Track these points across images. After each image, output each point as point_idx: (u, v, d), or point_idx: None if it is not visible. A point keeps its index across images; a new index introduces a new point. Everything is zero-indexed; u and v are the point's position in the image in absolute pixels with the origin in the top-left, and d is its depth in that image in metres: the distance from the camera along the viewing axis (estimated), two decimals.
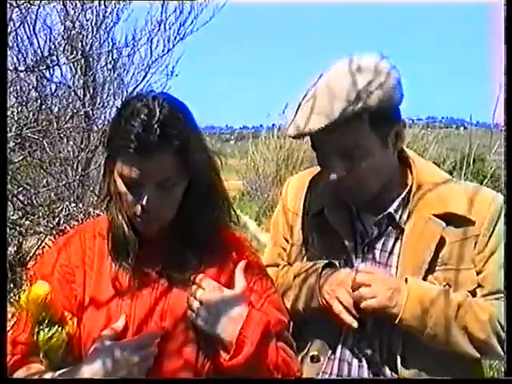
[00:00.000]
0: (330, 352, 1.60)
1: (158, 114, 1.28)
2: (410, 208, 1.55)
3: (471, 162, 4.31)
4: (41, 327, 1.30)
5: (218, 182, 1.45)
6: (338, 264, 1.59)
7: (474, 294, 1.51)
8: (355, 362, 1.57)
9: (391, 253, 1.56)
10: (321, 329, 1.62)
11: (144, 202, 1.30)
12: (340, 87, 1.41)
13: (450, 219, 1.51)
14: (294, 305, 1.62)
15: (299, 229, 1.68)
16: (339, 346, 1.59)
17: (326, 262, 1.58)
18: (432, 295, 1.46)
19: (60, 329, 1.32)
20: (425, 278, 1.50)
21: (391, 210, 1.54)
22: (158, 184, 1.31)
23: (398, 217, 1.55)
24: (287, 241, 1.73)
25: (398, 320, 1.45)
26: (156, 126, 1.26)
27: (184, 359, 1.35)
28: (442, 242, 1.50)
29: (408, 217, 1.54)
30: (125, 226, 1.38)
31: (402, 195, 1.55)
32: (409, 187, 1.56)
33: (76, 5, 4.06)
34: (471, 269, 1.50)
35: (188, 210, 1.38)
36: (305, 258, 1.67)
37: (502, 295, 1.47)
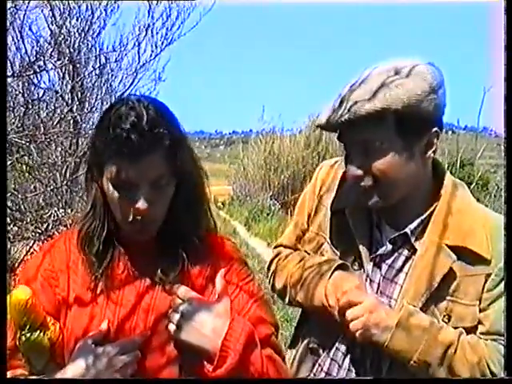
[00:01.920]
0: (327, 349, 1.61)
1: (145, 114, 1.28)
2: (427, 231, 1.50)
3: (458, 167, 4.33)
4: (22, 332, 1.29)
5: (204, 185, 1.45)
6: (349, 267, 1.57)
7: (472, 330, 1.48)
8: (345, 365, 1.57)
9: (400, 270, 1.53)
10: (322, 324, 1.62)
11: (140, 203, 1.29)
12: (370, 85, 1.39)
13: (464, 252, 1.46)
14: (295, 295, 1.63)
15: (321, 219, 1.67)
16: (334, 347, 1.60)
17: (339, 263, 1.57)
18: (422, 330, 1.43)
19: (42, 334, 1.31)
20: (425, 306, 1.47)
21: (408, 230, 1.51)
22: (152, 184, 1.30)
23: (413, 238, 1.52)
24: (308, 226, 1.71)
25: (384, 346, 1.44)
26: (146, 127, 1.26)
27: (167, 357, 1.34)
28: (450, 274, 1.45)
29: (423, 239, 1.50)
30: (105, 232, 1.39)
31: (423, 217, 1.51)
32: (432, 209, 1.52)
33: (63, 10, 4.05)
34: (475, 305, 1.46)
35: (175, 211, 1.38)
36: (320, 248, 1.66)
37: (500, 337, 1.44)
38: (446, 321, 1.47)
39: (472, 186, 4.53)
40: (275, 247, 1.83)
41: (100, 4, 4.32)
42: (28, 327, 1.29)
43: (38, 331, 1.30)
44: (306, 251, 1.69)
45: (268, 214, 13.55)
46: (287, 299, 1.70)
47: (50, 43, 3.80)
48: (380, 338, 1.44)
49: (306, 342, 1.66)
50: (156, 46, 4.50)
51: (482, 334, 1.47)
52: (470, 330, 1.47)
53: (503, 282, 1.45)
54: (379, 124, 1.40)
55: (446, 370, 1.43)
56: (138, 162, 1.27)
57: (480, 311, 1.47)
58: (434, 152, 1.48)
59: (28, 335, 1.29)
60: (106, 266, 1.39)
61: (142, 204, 1.29)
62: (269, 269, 1.79)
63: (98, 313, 1.37)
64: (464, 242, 1.46)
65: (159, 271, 1.38)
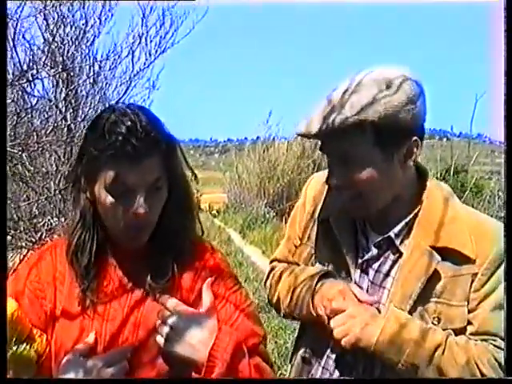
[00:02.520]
0: (319, 358, 1.61)
1: (138, 120, 1.28)
2: (411, 234, 1.51)
3: (452, 173, 4.34)
4: (9, 345, 1.28)
5: (192, 190, 1.46)
6: (336, 275, 1.58)
7: (462, 331, 1.48)
8: (336, 373, 1.57)
9: (387, 275, 1.53)
10: (314, 334, 1.63)
11: (140, 208, 1.29)
12: (347, 96, 1.40)
13: (449, 253, 1.46)
14: (290, 311, 1.64)
15: (312, 230, 1.67)
16: (325, 356, 1.60)
17: (324, 272, 1.57)
18: (408, 332, 1.43)
19: (28, 346, 1.30)
20: (413, 309, 1.47)
21: (392, 233, 1.52)
22: (148, 188, 1.31)
23: (398, 241, 1.53)
24: (300, 239, 1.72)
25: (371, 349, 1.44)
26: (141, 131, 1.27)
27: (157, 370, 1.34)
28: (436, 276, 1.46)
29: (408, 242, 1.51)
30: (95, 243, 1.39)
31: (407, 220, 1.52)
32: (415, 212, 1.53)
33: (57, 18, 4.06)
34: (464, 306, 1.47)
35: (166, 217, 1.38)
36: (311, 259, 1.66)
37: (490, 337, 1.45)
38: (436, 323, 1.47)
39: (466, 193, 4.54)
40: (270, 262, 1.84)
41: (94, 12, 4.33)
42: (14, 340, 1.28)
43: (25, 344, 1.30)
44: (298, 263, 1.70)
45: (263, 222, 13.55)
46: (282, 313, 1.70)
47: (43, 51, 3.80)
48: (366, 343, 1.44)
49: (300, 352, 1.67)
50: (150, 54, 4.51)
51: (471, 334, 1.47)
52: (461, 331, 1.47)
53: (490, 282, 1.45)
54: (358, 135, 1.41)
55: (434, 371, 1.43)
56: (138, 166, 1.27)
57: (469, 312, 1.47)
58: (415, 160, 1.49)
59: (14, 348, 1.28)
60: (93, 278, 1.39)
61: (141, 208, 1.29)
62: (265, 283, 1.80)
63: (87, 325, 1.37)
64: (448, 243, 1.47)
65: (149, 278, 1.38)
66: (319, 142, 1.51)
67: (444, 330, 1.46)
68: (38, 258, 1.47)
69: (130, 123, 1.27)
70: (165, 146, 1.31)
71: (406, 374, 1.44)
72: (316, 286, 1.55)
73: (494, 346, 1.45)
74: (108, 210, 1.33)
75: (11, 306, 1.28)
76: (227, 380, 1.26)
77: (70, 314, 1.38)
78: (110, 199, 1.31)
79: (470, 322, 1.47)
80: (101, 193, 1.32)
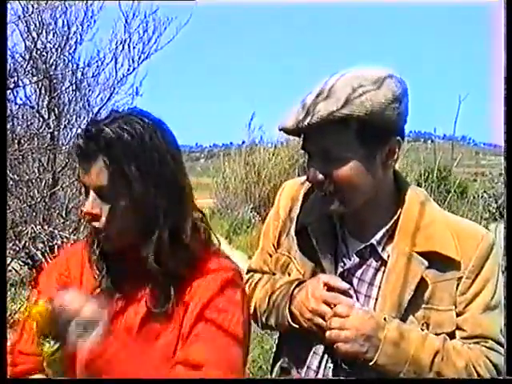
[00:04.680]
0: (299, 368, 1.59)
1: (111, 121, 1.32)
2: (394, 241, 1.50)
3: (435, 176, 4.35)
4: (47, 339, 1.29)
5: (186, 206, 1.41)
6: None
7: (452, 335, 1.47)
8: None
9: (371, 284, 1.52)
10: (293, 343, 1.60)
11: (85, 206, 1.32)
12: (331, 91, 1.39)
13: (434, 258, 1.45)
14: (266, 320, 1.61)
15: (287, 238, 1.65)
16: (305, 366, 1.58)
17: (298, 282, 1.54)
18: (408, 342, 1.42)
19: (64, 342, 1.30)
20: (403, 316, 1.46)
21: (373, 241, 1.50)
22: (98, 191, 1.31)
23: (380, 248, 1.51)
24: (275, 248, 1.69)
25: (372, 363, 1.42)
26: (96, 132, 1.29)
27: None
28: (423, 282, 1.45)
29: (391, 250, 1.49)
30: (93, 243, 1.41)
31: (387, 226, 1.51)
32: (395, 218, 1.51)
33: (39, 25, 4.04)
34: (452, 310, 1.46)
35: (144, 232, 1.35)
36: (288, 268, 1.63)
37: (482, 339, 1.45)
38: (424, 328, 1.46)
39: (450, 195, 4.57)
40: (246, 272, 1.81)
41: (76, 19, 4.32)
42: (53, 335, 1.29)
43: (61, 339, 1.30)
44: (274, 273, 1.67)
45: (248, 227, 13.53)
46: (260, 324, 1.68)
47: (25, 59, 3.79)
48: (367, 355, 1.42)
49: (279, 363, 1.64)
50: (133, 61, 4.52)
51: (463, 338, 1.46)
52: (449, 335, 1.47)
53: (476, 283, 1.45)
54: (341, 131, 1.40)
55: (434, 377, 1.42)
56: (86, 165, 1.31)
57: (457, 315, 1.47)
58: (396, 160, 1.48)
59: (52, 342, 1.29)
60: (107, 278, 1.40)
61: (86, 206, 1.32)
62: None
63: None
64: (433, 247, 1.46)
65: (145, 302, 1.37)
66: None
67: (435, 335, 1.46)
68: (70, 253, 1.51)
69: (89, 127, 1.32)
70: (114, 152, 1.29)
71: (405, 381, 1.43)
72: (293, 291, 1.53)
73: (487, 347, 1.45)
74: None
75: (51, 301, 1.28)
76: (229, 380, 1.25)
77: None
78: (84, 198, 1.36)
79: (460, 327, 1.47)
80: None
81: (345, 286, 1.49)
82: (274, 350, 1.78)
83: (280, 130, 1.48)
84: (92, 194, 1.31)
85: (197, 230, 1.42)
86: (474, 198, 6.39)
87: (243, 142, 16.59)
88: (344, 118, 1.37)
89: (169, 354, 1.34)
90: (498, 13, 1.41)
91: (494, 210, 8.68)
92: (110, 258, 1.40)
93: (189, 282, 1.38)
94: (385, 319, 1.44)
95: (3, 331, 1.34)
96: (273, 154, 15.43)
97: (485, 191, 8.04)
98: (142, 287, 1.38)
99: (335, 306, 1.45)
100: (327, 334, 1.44)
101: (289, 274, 1.61)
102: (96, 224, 1.33)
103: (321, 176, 1.45)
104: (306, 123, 1.39)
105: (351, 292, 1.50)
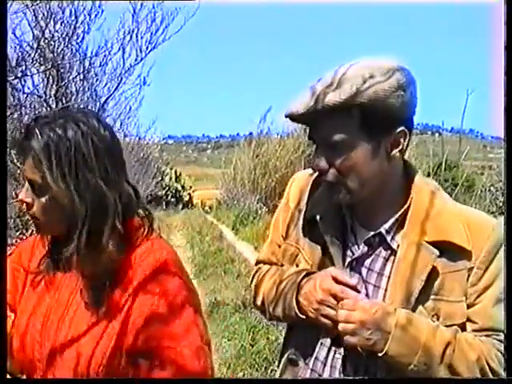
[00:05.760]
0: (307, 359, 1.59)
1: (53, 119, 1.37)
2: (404, 230, 1.48)
3: (443, 169, 4.33)
4: None
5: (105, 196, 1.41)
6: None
7: (463, 327, 1.45)
8: (325, 375, 1.55)
9: (381, 274, 1.50)
10: (300, 334, 1.61)
11: (20, 194, 1.40)
12: (341, 80, 1.38)
13: (445, 247, 1.43)
14: (274, 310, 1.61)
15: (295, 229, 1.64)
16: (313, 357, 1.58)
17: (306, 273, 1.53)
18: (419, 332, 1.41)
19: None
20: (414, 308, 1.44)
21: (382, 229, 1.49)
22: (29, 183, 1.38)
23: (389, 238, 1.49)
24: (283, 239, 1.68)
25: (381, 355, 1.42)
26: (31, 127, 1.36)
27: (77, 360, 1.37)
28: (433, 272, 1.43)
29: (401, 239, 1.48)
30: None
31: (397, 215, 1.49)
32: (406, 207, 1.49)
33: (46, 14, 4.04)
34: (462, 301, 1.44)
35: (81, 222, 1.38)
36: (296, 259, 1.62)
37: (494, 332, 1.43)
38: (435, 320, 1.44)
39: (457, 188, 4.55)
40: (255, 264, 1.81)
41: (84, 9, 4.32)
42: None
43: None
44: (282, 264, 1.68)
45: (255, 218, 13.55)
46: (267, 315, 1.68)
47: (33, 48, 3.78)
48: (377, 347, 1.42)
49: (286, 354, 1.64)
50: (141, 51, 4.50)
51: (475, 331, 1.44)
52: (460, 327, 1.44)
53: (487, 274, 1.44)
54: (345, 118, 1.39)
55: (445, 370, 1.41)
56: (25, 160, 1.36)
57: (468, 307, 1.45)
58: (401, 151, 1.47)
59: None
60: (49, 267, 1.46)
61: (21, 194, 1.39)
62: (251, 285, 1.78)
63: (36, 309, 1.44)
64: (444, 236, 1.44)
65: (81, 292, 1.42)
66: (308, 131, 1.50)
67: (445, 327, 1.43)
68: (23, 247, 1.58)
69: (29, 123, 1.39)
70: (39, 150, 1.34)
71: (416, 375, 1.42)
72: (301, 282, 1.53)
73: (498, 340, 1.43)
74: None
75: None
76: (228, 380, 1.25)
77: (26, 299, 1.47)
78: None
79: (471, 319, 1.45)
80: None
81: (353, 282, 1.47)
82: (279, 340, 1.78)
83: (286, 116, 1.48)
84: (26, 184, 1.38)
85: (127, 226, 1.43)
86: (481, 191, 6.38)
87: (250, 133, 16.59)
88: (346, 105, 1.37)
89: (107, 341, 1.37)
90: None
91: (501, 204, 8.64)
92: (52, 243, 1.47)
93: (123, 270, 1.41)
94: (394, 309, 1.43)
95: (3, 331, 1.35)
96: (280, 146, 15.42)
97: (492, 185, 7.99)
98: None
99: (342, 299, 1.44)
100: (338, 325, 1.44)
101: (297, 265, 1.61)
102: (30, 212, 1.39)
103: (326, 164, 1.45)
104: (314, 110, 1.39)
105: (359, 287, 1.49)
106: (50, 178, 1.34)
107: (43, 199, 1.37)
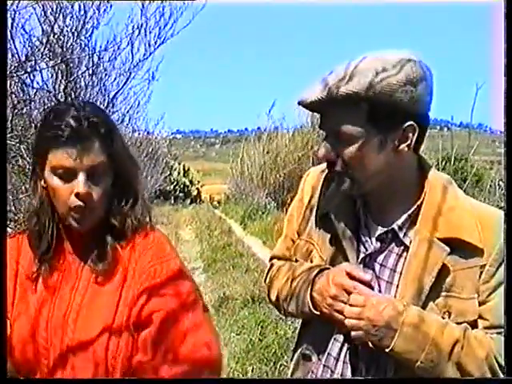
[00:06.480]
0: (320, 355, 1.59)
1: (83, 108, 1.40)
2: (416, 226, 1.48)
3: (452, 163, 4.32)
4: None
5: (139, 181, 1.55)
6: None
7: (475, 324, 1.45)
8: (338, 370, 1.55)
9: (394, 270, 1.50)
10: (314, 330, 1.61)
11: (79, 187, 1.37)
12: (353, 73, 1.38)
13: (456, 244, 1.43)
14: (288, 306, 1.62)
15: (309, 225, 1.64)
16: (326, 353, 1.58)
17: (319, 269, 1.54)
18: (428, 329, 1.40)
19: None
20: (425, 304, 1.44)
21: (395, 226, 1.49)
22: (88, 171, 1.38)
23: (402, 234, 1.50)
24: (299, 234, 1.69)
25: (388, 350, 1.41)
26: (84, 117, 1.38)
27: (94, 356, 1.38)
28: (444, 269, 1.43)
29: (414, 235, 1.48)
30: (50, 224, 1.46)
31: (409, 212, 1.49)
32: (419, 203, 1.49)
33: (56, 9, 4.04)
34: (474, 298, 1.44)
35: (108, 203, 1.45)
36: (310, 255, 1.63)
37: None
38: (446, 317, 1.44)
39: (466, 183, 4.54)
40: (270, 259, 1.82)
41: (93, 3, 4.32)
42: None
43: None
44: (296, 260, 1.68)
45: (263, 213, 13.55)
46: (282, 311, 1.69)
47: (42, 43, 3.79)
48: (383, 343, 1.41)
49: (300, 349, 1.65)
50: (149, 45, 4.51)
51: (486, 328, 1.44)
52: (472, 324, 1.45)
53: (500, 271, 1.43)
54: (354, 110, 1.40)
55: (453, 367, 1.40)
56: (77, 149, 1.36)
57: (480, 304, 1.44)
58: (409, 146, 1.45)
59: None
60: (48, 262, 1.47)
61: (81, 188, 1.37)
62: (265, 281, 1.79)
63: (36, 307, 1.45)
64: (456, 233, 1.44)
65: (90, 262, 1.44)
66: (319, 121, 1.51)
67: (456, 324, 1.43)
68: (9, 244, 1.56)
69: (74, 112, 1.38)
70: (104, 130, 1.40)
71: (424, 372, 1.41)
72: (315, 277, 1.53)
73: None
74: (55, 193, 1.40)
75: None
76: (230, 380, 1.26)
77: (23, 299, 1.47)
78: (55, 181, 1.39)
79: (482, 316, 1.45)
80: (48, 177, 1.40)
81: (367, 278, 1.47)
82: (288, 335, 1.79)
83: (299, 104, 1.48)
84: (81, 176, 1.38)
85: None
86: (490, 186, 6.36)
87: (259, 128, 16.58)
88: (354, 97, 1.37)
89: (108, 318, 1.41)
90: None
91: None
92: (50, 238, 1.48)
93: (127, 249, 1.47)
94: (404, 306, 1.43)
95: (3, 331, 1.36)
96: (288, 141, 15.40)
97: (501, 179, 7.96)
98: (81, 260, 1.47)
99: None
100: (344, 321, 1.44)
101: (311, 261, 1.61)
102: (87, 203, 1.39)
103: (332, 154, 1.45)
104: (325, 99, 1.39)
105: (373, 283, 1.49)
106: (120, 150, 1.45)
107: (103, 184, 1.42)
